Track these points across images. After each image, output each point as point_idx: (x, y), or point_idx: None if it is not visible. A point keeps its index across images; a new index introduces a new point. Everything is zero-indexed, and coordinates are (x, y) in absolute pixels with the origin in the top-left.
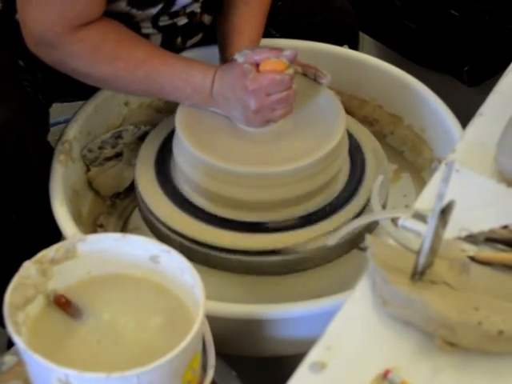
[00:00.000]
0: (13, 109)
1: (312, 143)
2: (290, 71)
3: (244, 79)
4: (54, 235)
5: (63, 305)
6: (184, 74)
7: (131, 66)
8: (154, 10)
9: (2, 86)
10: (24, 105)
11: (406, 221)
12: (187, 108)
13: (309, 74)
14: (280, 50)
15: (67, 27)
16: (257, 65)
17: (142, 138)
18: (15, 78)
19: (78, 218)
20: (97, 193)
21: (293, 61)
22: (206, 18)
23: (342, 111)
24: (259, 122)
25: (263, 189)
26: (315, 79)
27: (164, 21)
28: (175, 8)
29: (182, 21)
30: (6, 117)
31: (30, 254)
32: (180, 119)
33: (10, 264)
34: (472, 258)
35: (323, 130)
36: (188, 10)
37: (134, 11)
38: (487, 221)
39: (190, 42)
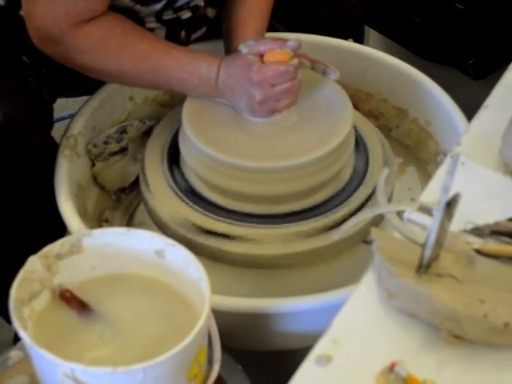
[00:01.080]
0: (16, 104)
1: (319, 137)
2: (295, 61)
3: (249, 70)
4: (59, 230)
5: (69, 299)
6: (189, 66)
7: (137, 60)
8: (157, 6)
9: (5, 81)
10: (27, 100)
11: (412, 214)
12: (194, 102)
13: (317, 70)
14: (284, 40)
15: (71, 22)
16: (261, 56)
17: (146, 132)
18: (19, 74)
19: (83, 213)
20: (102, 188)
21: (297, 51)
22: (210, 12)
23: (350, 105)
24: (264, 113)
25: (268, 183)
26: (323, 74)
27: (168, 15)
28: (179, 3)
29: (186, 15)
30: (10, 112)
31: (34, 250)
32: (186, 113)
33: (14, 260)
34: (478, 251)
35: (330, 124)
36: (192, 4)
37: (137, 7)
38: (493, 213)
39: (194, 36)
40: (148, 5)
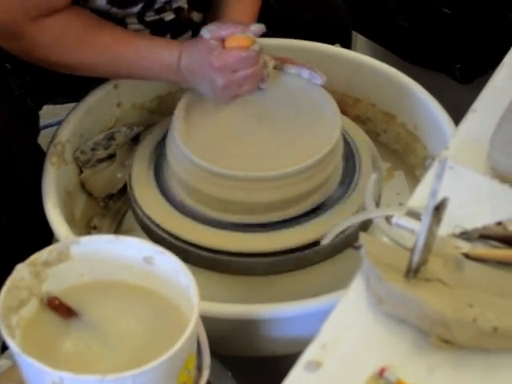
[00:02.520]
0: None
1: (308, 145)
2: (256, 47)
3: (210, 56)
4: (45, 238)
5: (57, 307)
6: (151, 54)
7: (97, 52)
8: (135, 9)
9: None
10: (10, 108)
11: (400, 218)
12: (184, 111)
13: (303, 75)
14: (246, 25)
15: (29, 17)
16: (223, 40)
17: (134, 139)
18: (2, 82)
19: (71, 221)
20: (90, 195)
21: (258, 35)
22: (195, 15)
23: (337, 111)
24: (227, 97)
25: (255, 192)
26: (310, 79)
27: (150, 16)
28: (158, 5)
29: (169, 16)
30: None
31: (21, 258)
32: (177, 120)
33: (1, 268)
34: (466, 255)
35: (319, 131)
36: (174, 5)
37: (114, 10)
38: (481, 217)
39: (179, 40)
40: (124, 7)
